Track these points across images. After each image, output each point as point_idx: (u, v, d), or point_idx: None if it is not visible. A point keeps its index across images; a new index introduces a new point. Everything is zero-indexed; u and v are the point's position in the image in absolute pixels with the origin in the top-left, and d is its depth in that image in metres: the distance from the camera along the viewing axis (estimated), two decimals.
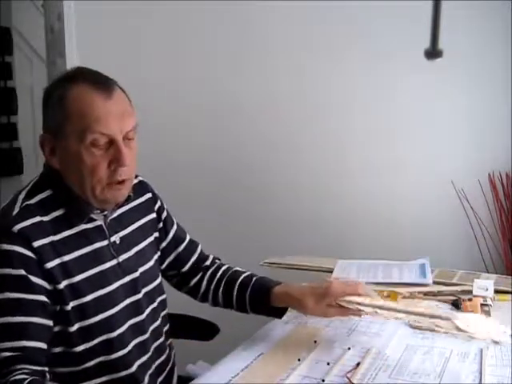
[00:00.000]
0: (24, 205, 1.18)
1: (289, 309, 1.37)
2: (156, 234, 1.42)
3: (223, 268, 1.48)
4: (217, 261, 1.52)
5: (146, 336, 1.31)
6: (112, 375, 1.23)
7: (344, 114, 2.30)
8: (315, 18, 2.25)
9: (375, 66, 2.21)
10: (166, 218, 1.44)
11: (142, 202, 1.40)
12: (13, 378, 1.04)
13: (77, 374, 1.20)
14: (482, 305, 1.45)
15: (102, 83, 1.19)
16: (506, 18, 2.03)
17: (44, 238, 1.15)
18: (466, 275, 1.72)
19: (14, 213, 1.16)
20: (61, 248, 1.17)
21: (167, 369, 1.39)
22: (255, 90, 2.37)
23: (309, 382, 1.16)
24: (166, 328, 1.42)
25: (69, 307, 1.17)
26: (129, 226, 1.33)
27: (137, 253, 1.32)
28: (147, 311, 1.33)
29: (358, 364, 1.20)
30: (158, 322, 1.36)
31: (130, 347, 1.26)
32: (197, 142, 2.46)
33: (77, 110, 1.16)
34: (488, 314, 1.43)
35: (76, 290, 1.18)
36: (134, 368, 1.26)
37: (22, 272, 1.11)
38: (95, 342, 1.21)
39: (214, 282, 1.45)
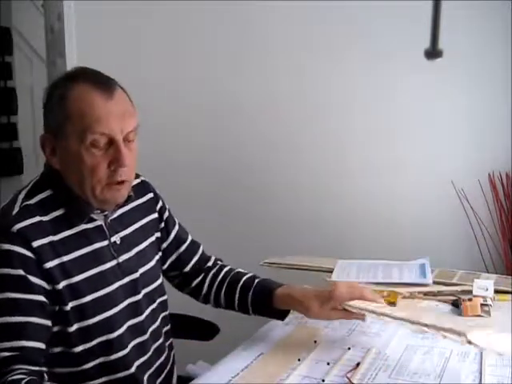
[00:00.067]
0: (24, 205, 1.17)
1: (291, 311, 1.37)
2: (157, 235, 1.41)
3: (225, 269, 1.47)
4: (218, 262, 1.52)
5: (146, 337, 1.31)
6: (111, 376, 1.23)
7: (344, 114, 2.29)
8: (315, 18, 2.25)
9: (375, 66, 2.21)
10: (167, 218, 1.44)
11: (144, 202, 1.39)
12: (10, 378, 1.04)
13: (76, 375, 1.20)
14: (482, 305, 1.45)
15: (103, 83, 1.19)
16: (506, 18, 2.03)
17: (43, 238, 1.15)
18: (466, 275, 1.72)
19: (14, 213, 1.16)
20: (60, 248, 1.17)
21: (167, 369, 1.39)
22: (255, 90, 2.37)
23: (309, 381, 1.16)
24: (166, 329, 1.41)
25: (68, 307, 1.17)
26: (130, 226, 1.33)
27: (137, 253, 1.32)
28: (147, 312, 1.32)
29: (358, 364, 1.20)
30: (157, 323, 1.36)
31: (129, 348, 1.26)
32: (197, 141, 2.45)
33: (77, 110, 1.16)
34: (488, 313, 1.43)
35: (75, 291, 1.18)
36: (133, 369, 1.26)
37: (21, 272, 1.11)
38: (94, 342, 1.21)
39: (216, 284, 1.45)
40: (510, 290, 1.59)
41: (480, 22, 2.07)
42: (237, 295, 1.40)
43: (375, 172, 2.27)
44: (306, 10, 2.24)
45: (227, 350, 1.30)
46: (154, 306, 1.35)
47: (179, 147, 2.46)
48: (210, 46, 2.40)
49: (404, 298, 1.55)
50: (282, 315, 1.37)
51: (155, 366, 1.34)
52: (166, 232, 1.44)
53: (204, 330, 1.65)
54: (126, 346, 1.25)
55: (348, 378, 1.15)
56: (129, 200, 1.30)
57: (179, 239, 1.46)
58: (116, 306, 1.24)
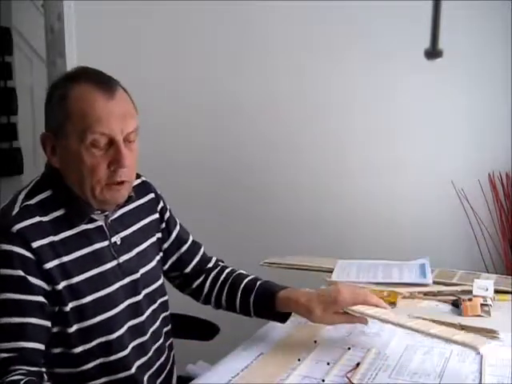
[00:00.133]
0: (23, 205, 1.17)
1: (292, 314, 1.36)
2: (158, 235, 1.41)
3: (227, 270, 1.46)
4: (220, 263, 1.51)
5: (146, 337, 1.30)
6: (111, 376, 1.23)
7: (344, 114, 2.30)
8: (315, 18, 2.25)
9: (375, 66, 2.21)
10: (168, 218, 1.44)
11: (145, 203, 1.39)
12: (9, 379, 1.04)
13: (76, 375, 1.20)
14: (482, 305, 1.45)
15: (105, 83, 1.19)
16: (506, 18, 2.03)
17: (43, 238, 1.15)
18: (466, 275, 1.72)
19: (14, 213, 1.15)
20: (60, 248, 1.17)
21: (167, 369, 1.39)
22: (255, 90, 2.37)
23: (309, 381, 1.15)
24: (166, 329, 1.41)
25: (68, 308, 1.17)
26: (130, 226, 1.32)
27: (138, 253, 1.32)
28: (147, 313, 1.32)
29: (358, 364, 1.20)
30: (157, 324, 1.36)
31: (129, 349, 1.25)
32: (197, 141, 2.46)
33: (78, 109, 1.15)
34: (488, 313, 1.43)
35: (75, 291, 1.18)
36: (133, 369, 1.25)
37: (21, 273, 1.11)
38: (94, 343, 1.20)
39: (218, 285, 1.44)
40: (509, 289, 1.59)
41: (480, 22, 2.07)
42: (238, 297, 1.39)
43: (375, 172, 2.27)
44: (306, 10, 2.24)
45: (227, 350, 1.30)
46: (154, 306, 1.35)
47: (179, 147, 2.46)
48: (209, 46, 2.40)
49: (404, 297, 1.55)
50: (283, 318, 1.36)
51: (155, 366, 1.33)
52: (167, 232, 1.43)
53: (204, 330, 1.65)
54: (126, 347, 1.25)
55: (348, 378, 1.14)
56: (129, 200, 1.29)
57: (180, 240, 1.46)
58: (116, 306, 1.24)
